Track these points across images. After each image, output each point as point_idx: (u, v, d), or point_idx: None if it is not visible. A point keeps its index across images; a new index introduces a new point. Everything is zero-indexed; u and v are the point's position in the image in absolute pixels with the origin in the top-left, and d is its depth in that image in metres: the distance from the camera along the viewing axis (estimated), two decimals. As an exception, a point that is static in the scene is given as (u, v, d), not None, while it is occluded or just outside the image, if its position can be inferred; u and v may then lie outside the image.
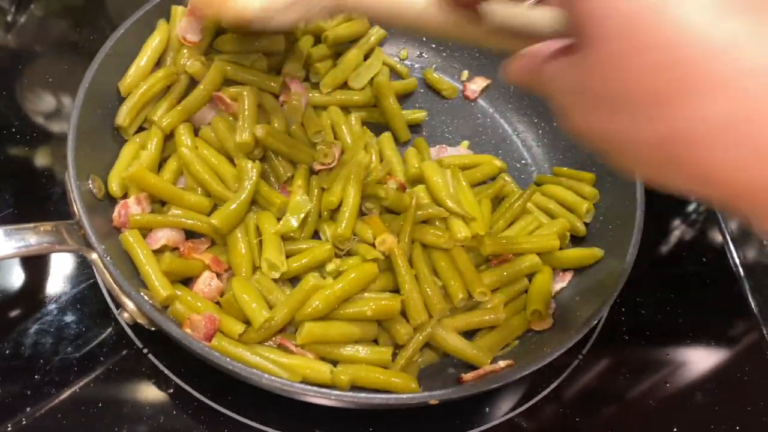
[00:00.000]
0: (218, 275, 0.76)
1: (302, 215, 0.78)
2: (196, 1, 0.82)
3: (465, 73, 1.05)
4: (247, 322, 0.72)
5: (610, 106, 0.38)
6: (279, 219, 0.79)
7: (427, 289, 0.75)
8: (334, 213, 0.81)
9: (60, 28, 1.10)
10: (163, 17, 0.88)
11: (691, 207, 1.06)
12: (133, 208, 0.76)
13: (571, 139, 0.45)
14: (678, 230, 1.03)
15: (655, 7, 0.35)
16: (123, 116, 0.81)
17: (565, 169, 0.93)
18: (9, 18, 1.08)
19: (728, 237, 1.01)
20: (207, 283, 0.75)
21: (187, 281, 0.76)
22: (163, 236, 0.76)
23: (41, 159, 0.92)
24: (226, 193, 0.79)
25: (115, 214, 0.75)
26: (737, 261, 0.98)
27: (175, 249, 0.77)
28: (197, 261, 0.75)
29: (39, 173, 0.90)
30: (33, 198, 0.87)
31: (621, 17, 0.36)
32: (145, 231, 0.76)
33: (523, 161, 0.98)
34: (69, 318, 0.77)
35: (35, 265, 0.81)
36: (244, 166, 0.78)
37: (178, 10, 0.88)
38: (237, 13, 0.73)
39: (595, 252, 0.82)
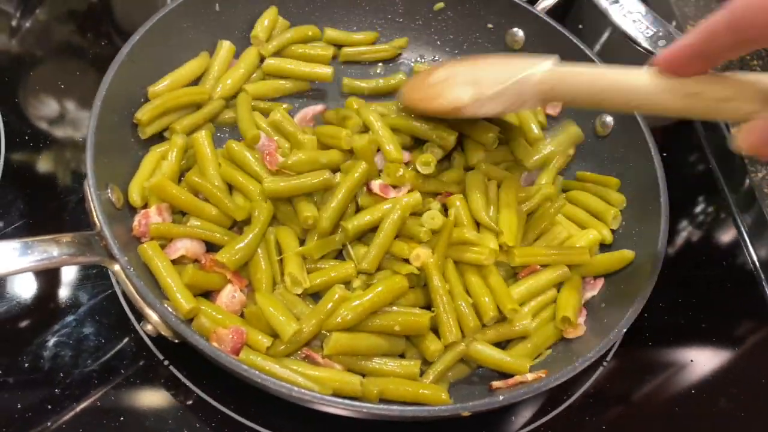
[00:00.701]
0: (240, 289, 0.75)
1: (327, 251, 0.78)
2: (408, 99, 0.83)
3: None
4: (274, 335, 0.71)
5: None
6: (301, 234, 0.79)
7: (461, 306, 0.74)
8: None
9: (65, 33, 1.09)
10: (176, 24, 0.88)
11: (704, 208, 1.06)
12: (153, 218, 0.75)
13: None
14: (694, 232, 1.02)
15: None
16: (144, 112, 0.81)
17: (589, 173, 0.93)
18: (14, 23, 1.07)
19: (745, 237, 1.01)
20: (230, 296, 0.74)
21: (206, 294, 0.75)
22: (182, 246, 0.75)
23: (47, 165, 0.91)
24: (234, 213, 0.78)
25: (135, 223, 0.74)
26: (755, 261, 0.98)
27: (195, 261, 0.76)
28: (219, 274, 0.74)
29: (48, 181, 0.89)
30: (45, 207, 0.86)
31: None
32: (165, 242, 0.75)
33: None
34: (87, 330, 0.76)
35: (51, 276, 0.80)
36: (256, 207, 0.77)
37: (224, 45, 0.92)
38: (449, 105, 0.75)
39: (624, 255, 0.81)
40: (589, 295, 0.81)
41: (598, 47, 1.23)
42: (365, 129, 0.86)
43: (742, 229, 1.02)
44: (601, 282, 0.82)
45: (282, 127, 0.86)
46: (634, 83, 0.59)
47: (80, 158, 0.90)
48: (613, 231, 0.86)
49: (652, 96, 0.57)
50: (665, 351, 0.87)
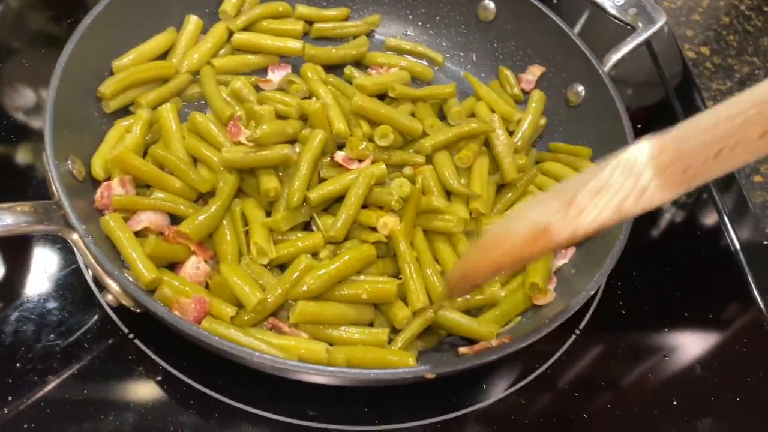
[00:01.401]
0: (205, 261, 0.74)
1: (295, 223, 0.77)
2: (462, 269, 0.60)
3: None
4: (239, 306, 0.70)
5: None
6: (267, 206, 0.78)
7: (429, 273, 0.74)
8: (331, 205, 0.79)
9: (38, 21, 1.07)
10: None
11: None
12: (116, 189, 0.74)
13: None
14: (673, 209, 1.02)
15: None
16: (108, 85, 0.80)
17: (562, 144, 0.92)
18: (-16, 12, 1.05)
19: (724, 215, 1.00)
20: (194, 267, 0.73)
21: (172, 267, 0.74)
22: (145, 218, 0.73)
23: (22, 155, 0.89)
24: (198, 185, 0.77)
25: (98, 195, 0.73)
26: (733, 237, 0.98)
27: (159, 234, 0.75)
28: (182, 246, 0.73)
29: (22, 167, 0.87)
30: (12, 186, 0.85)
31: None
32: (128, 214, 0.74)
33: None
34: (51, 305, 0.75)
35: (14, 251, 0.79)
36: (221, 179, 0.76)
37: (192, 19, 0.91)
38: (530, 231, 0.50)
39: None
40: (559, 263, 0.80)
41: (578, 27, 1.22)
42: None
43: (722, 209, 1.01)
44: (572, 251, 0.81)
45: (242, 96, 0.85)
46: None
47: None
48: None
49: None
50: (639, 320, 0.86)
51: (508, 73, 1.00)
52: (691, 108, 1.12)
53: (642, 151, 0.47)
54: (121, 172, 0.75)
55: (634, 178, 0.47)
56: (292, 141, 0.80)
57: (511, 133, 0.90)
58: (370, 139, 0.82)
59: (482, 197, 0.80)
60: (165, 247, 0.72)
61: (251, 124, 0.80)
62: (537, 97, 0.94)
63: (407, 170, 0.82)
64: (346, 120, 0.83)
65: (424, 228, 0.78)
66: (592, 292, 0.70)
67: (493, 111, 0.91)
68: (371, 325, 0.74)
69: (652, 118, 1.12)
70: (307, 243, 0.75)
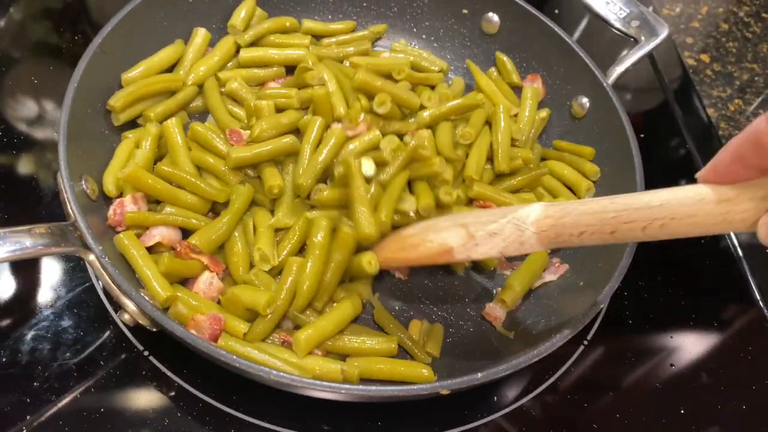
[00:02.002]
0: (217, 275, 0.75)
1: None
2: (385, 251, 0.75)
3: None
4: (251, 320, 0.71)
5: None
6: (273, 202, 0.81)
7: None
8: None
9: (40, 32, 1.08)
10: (148, 15, 0.88)
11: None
12: (129, 206, 0.74)
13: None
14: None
15: None
16: (117, 98, 0.81)
17: (565, 143, 0.94)
18: (-13, 22, 1.06)
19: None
20: (208, 283, 0.74)
21: (184, 281, 0.75)
22: (157, 234, 0.74)
23: (27, 165, 0.90)
24: (216, 196, 0.78)
25: (111, 212, 0.74)
26: (736, 244, 0.99)
27: (171, 249, 0.75)
28: (195, 261, 0.74)
29: (26, 179, 0.88)
30: (22, 203, 0.85)
31: None
32: (140, 231, 0.75)
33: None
34: (66, 323, 0.76)
35: (27, 270, 0.79)
36: (234, 191, 0.78)
37: (199, 32, 0.92)
38: (438, 248, 0.69)
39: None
40: (547, 278, 0.81)
41: (577, 34, 1.23)
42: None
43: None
44: (564, 268, 0.82)
45: (240, 95, 0.87)
46: (659, 203, 0.54)
47: (57, 155, 0.89)
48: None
49: (687, 212, 0.53)
50: (645, 329, 0.87)
51: (506, 59, 1.01)
52: (691, 114, 1.14)
53: (533, 212, 0.63)
54: (132, 189, 0.76)
55: (520, 232, 0.63)
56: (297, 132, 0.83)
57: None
58: (370, 113, 0.84)
59: (473, 164, 0.84)
60: (178, 264, 0.72)
61: (252, 121, 0.83)
62: (531, 93, 0.96)
63: (407, 138, 0.84)
64: (348, 102, 0.85)
65: (410, 178, 0.80)
66: (603, 306, 0.70)
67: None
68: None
69: (652, 125, 1.13)
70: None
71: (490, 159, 0.89)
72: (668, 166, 1.09)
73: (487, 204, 0.83)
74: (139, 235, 0.74)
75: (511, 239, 0.64)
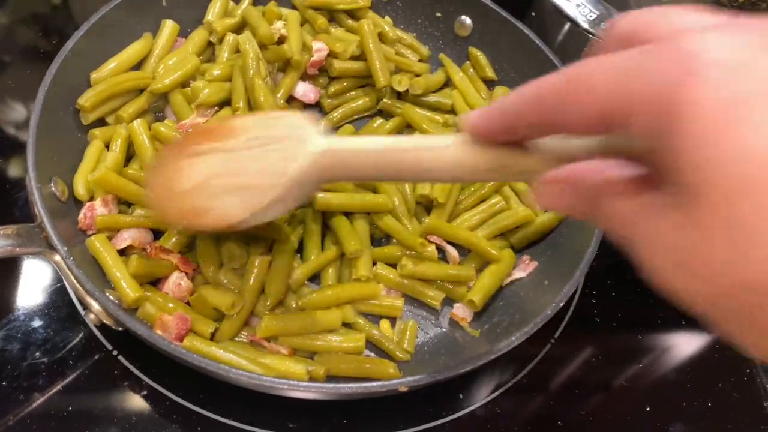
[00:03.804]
0: (187, 275, 0.76)
1: None
2: (162, 207, 0.63)
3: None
4: (219, 320, 0.72)
5: (716, 273, 0.30)
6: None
7: None
8: None
9: (27, 36, 1.09)
10: (123, 18, 0.88)
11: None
12: (99, 209, 0.75)
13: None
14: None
15: None
16: (87, 98, 0.81)
17: None
18: (-27, 27, 1.07)
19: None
20: (177, 283, 0.75)
21: (155, 282, 0.76)
22: (128, 236, 0.75)
23: (13, 169, 0.91)
24: None
25: (81, 216, 0.75)
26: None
27: (143, 250, 0.76)
28: (165, 261, 0.75)
29: (5, 183, 0.89)
30: (6, 206, 0.86)
31: (738, 168, 0.28)
32: (112, 233, 0.76)
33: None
34: (36, 323, 0.77)
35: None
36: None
37: (167, 23, 0.91)
38: (223, 223, 0.59)
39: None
40: (517, 275, 0.82)
41: (560, 38, 1.24)
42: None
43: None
44: (533, 265, 0.83)
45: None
46: (434, 157, 0.48)
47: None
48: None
49: (449, 170, 0.48)
50: (613, 328, 0.88)
51: (479, 53, 1.02)
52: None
53: (305, 165, 0.53)
54: (103, 192, 0.77)
55: (302, 185, 0.55)
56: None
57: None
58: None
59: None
60: (148, 264, 0.73)
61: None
62: (501, 92, 0.98)
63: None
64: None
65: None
66: (563, 301, 0.71)
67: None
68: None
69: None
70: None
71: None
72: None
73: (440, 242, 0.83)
74: (110, 238, 0.75)
75: (295, 193, 0.56)
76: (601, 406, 0.81)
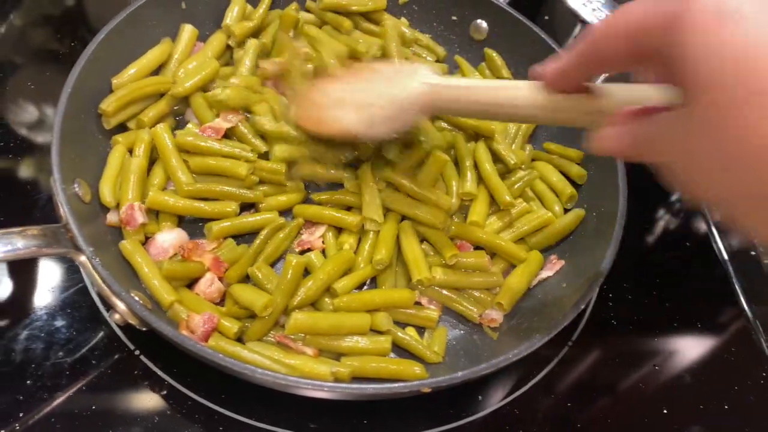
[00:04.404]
0: (220, 279, 0.77)
1: None
2: (302, 118, 0.81)
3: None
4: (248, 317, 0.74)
5: (725, 164, 0.35)
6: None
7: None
8: None
9: (40, 38, 1.09)
10: (142, 21, 0.89)
11: (674, 197, 1.08)
12: (137, 212, 0.77)
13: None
14: (662, 219, 1.05)
15: (763, 45, 0.32)
16: (109, 102, 0.82)
17: (555, 145, 0.95)
18: (-12, 29, 1.07)
19: (711, 224, 1.03)
20: (208, 284, 0.76)
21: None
22: (169, 245, 0.77)
23: (26, 170, 0.91)
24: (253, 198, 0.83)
25: (122, 212, 0.76)
26: (721, 247, 1.00)
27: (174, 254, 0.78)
28: (197, 263, 0.76)
29: (24, 183, 0.90)
30: (18, 206, 0.87)
31: (725, 62, 0.33)
32: (141, 238, 0.78)
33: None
34: (59, 323, 0.77)
35: (22, 271, 0.81)
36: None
37: (186, 28, 0.92)
38: (344, 130, 0.74)
39: (576, 213, 0.86)
40: (544, 274, 0.83)
41: (570, 40, 1.25)
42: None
43: (709, 216, 1.04)
44: (560, 264, 0.84)
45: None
46: (512, 96, 0.61)
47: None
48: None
49: (528, 109, 0.60)
50: (630, 332, 0.89)
51: (494, 54, 1.02)
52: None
53: (415, 94, 0.69)
54: (135, 199, 0.78)
55: (407, 110, 0.70)
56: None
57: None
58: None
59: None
60: (180, 267, 0.75)
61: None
62: None
63: None
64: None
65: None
66: (582, 306, 0.72)
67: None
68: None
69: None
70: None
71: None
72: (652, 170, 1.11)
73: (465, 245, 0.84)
74: (143, 243, 0.77)
75: (401, 117, 0.71)
76: (617, 408, 0.81)
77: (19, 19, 1.11)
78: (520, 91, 0.60)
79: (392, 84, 0.72)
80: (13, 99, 0.98)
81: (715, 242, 1.01)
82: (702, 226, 1.03)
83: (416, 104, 0.69)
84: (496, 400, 0.79)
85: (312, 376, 0.68)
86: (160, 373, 0.75)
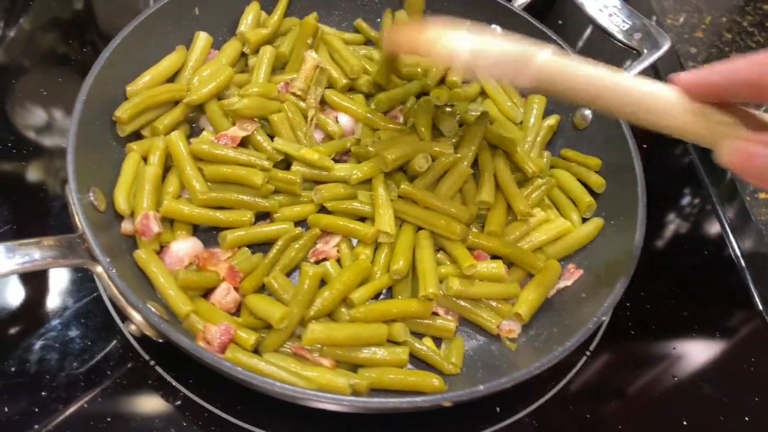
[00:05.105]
0: (236, 289, 0.76)
1: None
2: (395, 38, 0.76)
3: None
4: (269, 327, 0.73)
5: None
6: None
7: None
8: None
9: (50, 42, 1.09)
10: (156, 28, 0.89)
11: (686, 200, 1.07)
12: (152, 221, 0.76)
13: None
14: (678, 225, 1.04)
15: None
16: (123, 110, 0.82)
17: (573, 152, 0.94)
18: (-2, 32, 1.07)
19: (727, 228, 1.02)
20: (224, 294, 0.75)
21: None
22: (185, 254, 0.76)
23: (36, 174, 0.91)
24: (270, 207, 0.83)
25: (138, 221, 0.76)
26: (737, 251, 0.99)
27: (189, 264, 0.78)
28: (213, 273, 0.75)
29: (35, 188, 0.89)
30: (31, 213, 0.86)
31: None
32: (157, 248, 0.78)
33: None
34: (73, 333, 0.77)
35: (36, 281, 0.81)
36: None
37: (201, 36, 0.92)
38: (446, 51, 0.69)
39: (595, 223, 0.86)
40: (562, 284, 0.82)
41: (580, 44, 1.24)
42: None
43: (725, 221, 1.03)
44: (578, 273, 0.83)
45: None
46: (638, 92, 0.59)
47: (65, 165, 0.91)
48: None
49: (656, 109, 0.57)
50: (648, 340, 0.88)
51: None
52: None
53: (537, 59, 0.64)
54: (149, 207, 0.78)
55: (521, 70, 0.65)
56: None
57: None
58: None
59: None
60: (196, 277, 0.74)
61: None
62: (538, 99, 0.98)
63: None
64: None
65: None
66: (604, 318, 0.71)
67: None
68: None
69: (655, 136, 1.13)
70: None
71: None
72: (671, 176, 1.10)
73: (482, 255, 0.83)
74: (158, 252, 0.77)
75: (511, 72, 0.66)
76: (637, 419, 0.80)
77: (28, 23, 1.11)
78: (658, 94, 0.57)
79: (513, 44, 0.67)
80: (21, 103, 0.98)
81: (732, 248, 1.00)
82: (717, 231, 1.02)
83: (533, 69, 0.64)
84: (515, 411, 0.78)
85: (330, 388, 0.67)
86: (174, 383, 0.75)
